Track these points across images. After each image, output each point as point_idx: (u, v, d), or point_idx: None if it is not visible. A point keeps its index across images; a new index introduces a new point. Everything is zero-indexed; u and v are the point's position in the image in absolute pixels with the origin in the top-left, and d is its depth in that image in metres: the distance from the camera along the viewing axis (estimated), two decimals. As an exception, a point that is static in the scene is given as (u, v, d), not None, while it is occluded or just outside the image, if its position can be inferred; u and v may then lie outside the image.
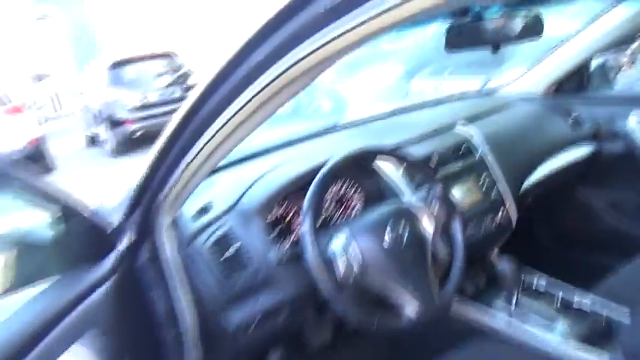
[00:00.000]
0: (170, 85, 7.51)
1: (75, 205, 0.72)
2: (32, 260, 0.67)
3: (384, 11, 0.49)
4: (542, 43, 1.33)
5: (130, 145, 7.22)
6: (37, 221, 0.74)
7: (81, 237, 0.74)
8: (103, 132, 7.70)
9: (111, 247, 0.80)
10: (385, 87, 4.64)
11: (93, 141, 9.23)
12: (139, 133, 7.13)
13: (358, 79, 5.16)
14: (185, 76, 7.68)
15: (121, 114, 7.19)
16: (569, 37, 1.66)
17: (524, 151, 1.55)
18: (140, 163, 0.83)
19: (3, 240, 0.59)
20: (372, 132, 1.55)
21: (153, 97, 7.37)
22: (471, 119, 1.54)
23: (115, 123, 7.24)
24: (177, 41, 9.10)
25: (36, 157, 6.77)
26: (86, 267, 0.74)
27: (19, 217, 0.65)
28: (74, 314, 0.70)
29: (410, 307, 0.98)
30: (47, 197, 0.67)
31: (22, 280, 0.63)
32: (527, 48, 1.20)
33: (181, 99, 7.29)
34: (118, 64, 7.56)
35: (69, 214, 0.71)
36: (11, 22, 13.57)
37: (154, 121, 6.99)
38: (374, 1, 0.49)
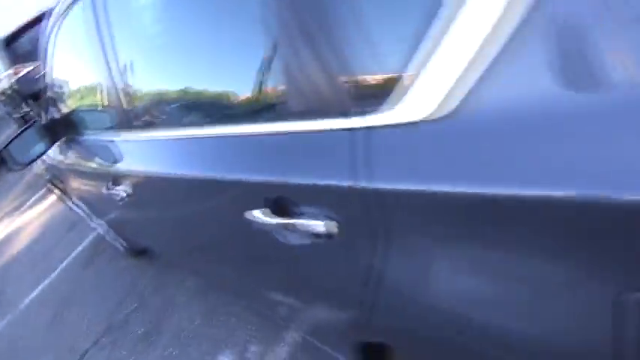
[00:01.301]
0: (67, 41, 7.54)
1: None
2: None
3: None
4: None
5: (61, 110, 7.56)
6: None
7: None
8: (32, 108, 8.01)
9: None
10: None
11: (25, 120, 9.46)
12: (65, 97, 7.41)
13: None
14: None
15: (41, 85, 7.41)
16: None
17: None
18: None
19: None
20: None
21: (59, 59, 7.48)
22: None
23: (38, 96, 7.48)
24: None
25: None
26: None
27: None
28: None
29: None
30: None
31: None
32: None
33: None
34: (9, 41, 7.60)
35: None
36: None
37: (72, 82, 7.26)
38: None
